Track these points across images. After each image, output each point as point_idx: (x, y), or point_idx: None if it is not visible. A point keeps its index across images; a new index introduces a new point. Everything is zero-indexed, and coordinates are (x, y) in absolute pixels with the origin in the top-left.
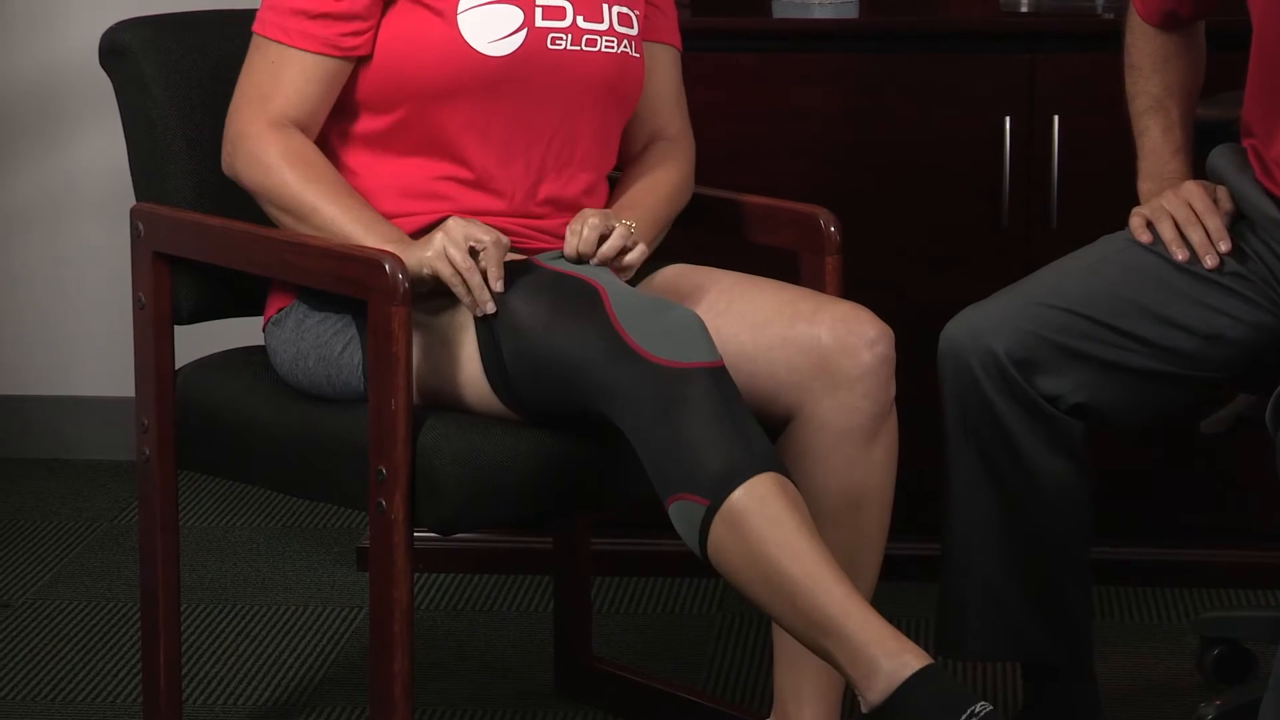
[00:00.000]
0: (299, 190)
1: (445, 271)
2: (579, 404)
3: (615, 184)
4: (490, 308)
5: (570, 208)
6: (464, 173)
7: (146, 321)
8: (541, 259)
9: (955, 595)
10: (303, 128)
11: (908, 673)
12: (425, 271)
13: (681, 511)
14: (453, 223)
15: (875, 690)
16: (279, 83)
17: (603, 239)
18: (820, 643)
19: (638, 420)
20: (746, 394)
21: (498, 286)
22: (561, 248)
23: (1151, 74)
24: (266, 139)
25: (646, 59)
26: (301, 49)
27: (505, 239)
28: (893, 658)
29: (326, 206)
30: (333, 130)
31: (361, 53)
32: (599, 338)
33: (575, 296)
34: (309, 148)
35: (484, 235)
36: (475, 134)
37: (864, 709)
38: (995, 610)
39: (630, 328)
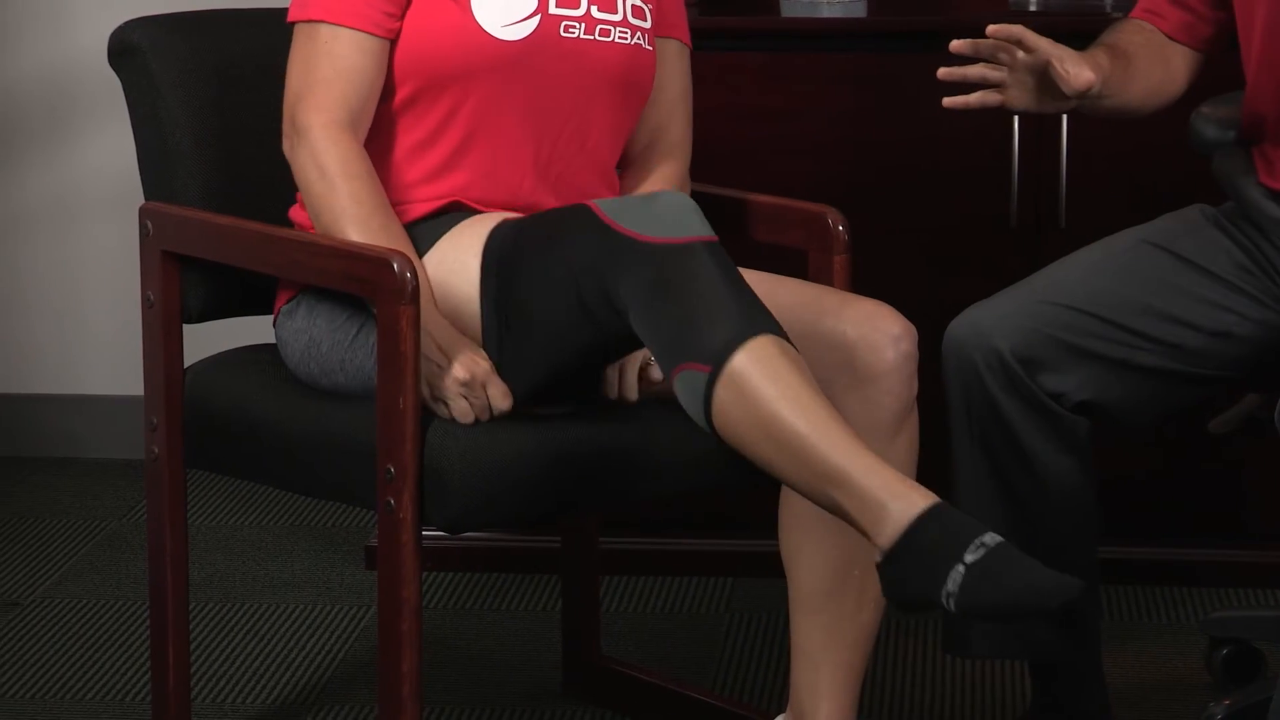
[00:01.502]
0: (340, 214)
1: (459, 411)
2: (576, 320)
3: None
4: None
5: (579, 198)
6: (472, 157)
7: (155, 320)
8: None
9: None
10: (362, 116)
11: (915, 512)
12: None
13: (685, 381)
14: (483, 369)
15: (885, 535)
16: (336, 66)
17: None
18: (828, 494)
19: (639, 302)
20: None
21: (485, 417)
22: None
23: (1110, 32)
24: (329, 142)
25: (662, 50)
26: (352, 27)
27: (506, 407)
28: (900, 499)
29: (355, 230)
30: None
31: (394, 37)
32: (592, 233)
33: (567, 216)
34: (364, 162)
35: (500, 402)
36: (485, 119)
37: (877, 558)
38: None
39: (621, 218)
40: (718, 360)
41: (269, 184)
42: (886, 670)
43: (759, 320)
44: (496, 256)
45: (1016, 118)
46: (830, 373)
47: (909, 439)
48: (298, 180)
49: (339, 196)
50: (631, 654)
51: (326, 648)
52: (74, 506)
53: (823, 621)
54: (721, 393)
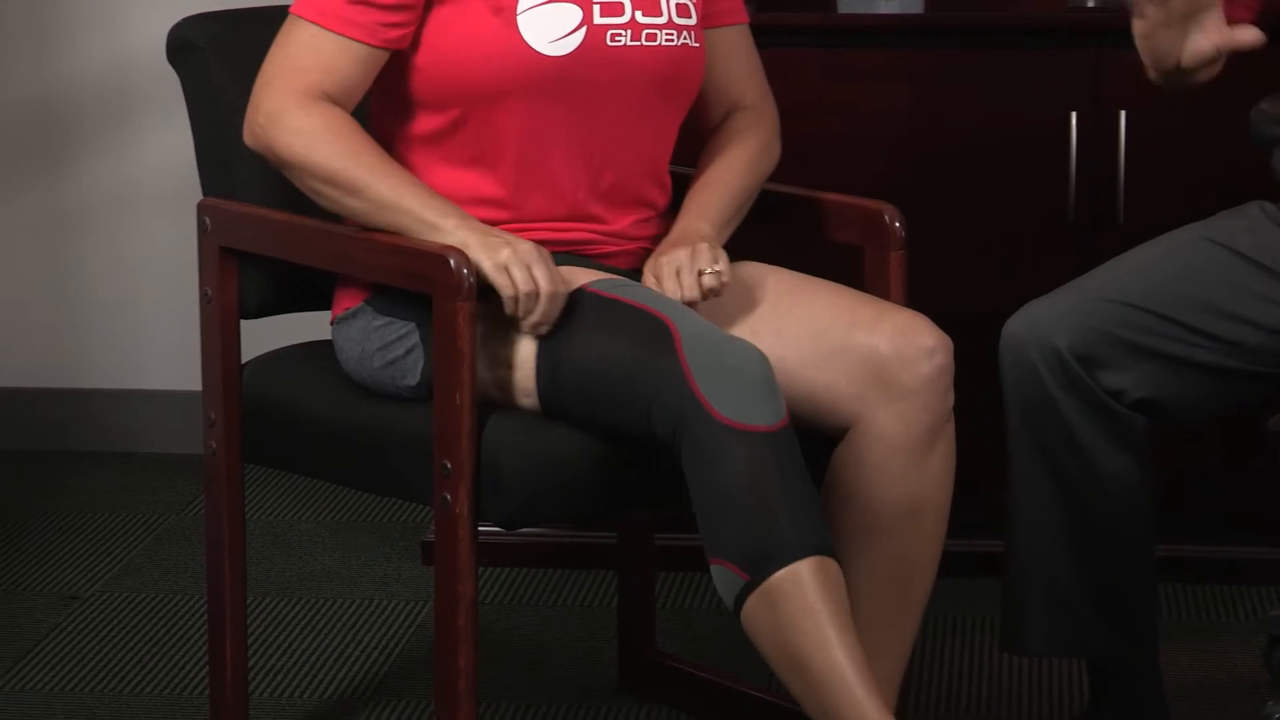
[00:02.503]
0: (348, 163)
1: (502, 283)
2: (632, 434)
3: (697, 159)
4: (543, 330)
5: (633, 205)
6: (524, 174)
7: (213, 316)
8: (607, 287)
9: (1018, 591)
10: (340, 106)
11: None
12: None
13: (722, 576)
14: (527, 247)
15: None
16: (318, 59)
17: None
18: None
19: (693, 470)
20: (806, 402)
21: (541, 332)
22: (622, 249)
23: None
24: (308, 110)
25: (714, 41)
26: (339, 33)
27: (563, 293)
28: None
29: (380, 180)
30: (392, 131)
31: (400, 45)
32: (668, 383)
33: (646, 333)
34: (353, 122)
35: (545, 283)
36: (535, 134)
37: None
38: (1059, 607)
39: (700, 375)
40: (757, 573)
41: None
42: (942, 668)
43: (808, 536)
44: (552, 375)
45: (1074, 114)
46: (863, 388)
47: (944, 453)
48: (284, 159)
49: (339, 158)
50: (687, 650)
51: (383, 643)
52: (132, 501)
53: (866, 633)
54: (755, 605)
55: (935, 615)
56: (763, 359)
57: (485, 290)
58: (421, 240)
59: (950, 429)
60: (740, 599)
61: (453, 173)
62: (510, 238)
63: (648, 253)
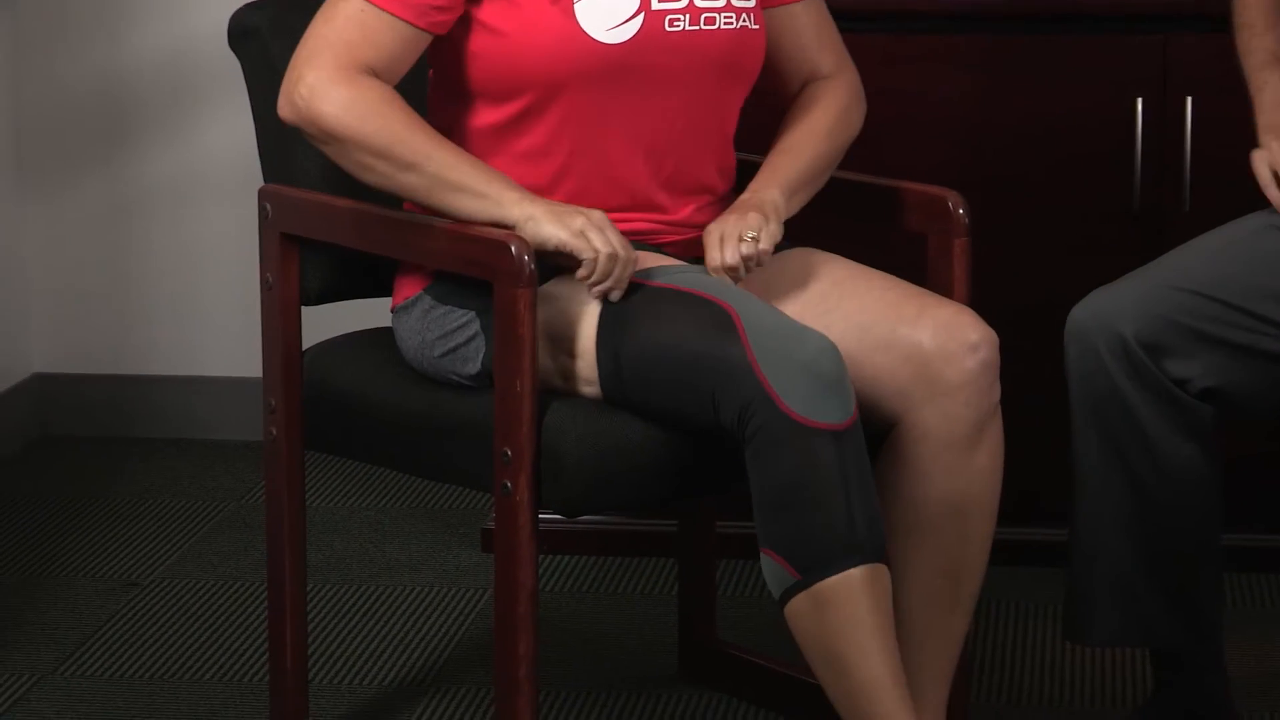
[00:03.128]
0: (404, 136)
1: (581, 246)
2: (694, 422)
3: (777, 128)
4: (615, 295)
5: (694, 192)
6: (583, 164)
7: (274, 302)
8: (665, 277)
9: (1083, 581)
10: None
11: None
12: (553, 245)
13: (772, 568)
14: (599, 214)
15: None
16: (366, 34)
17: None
18: None
19: (757, 462)
20: None
21: (615, 297)
22: (684, 238)
23: (1265, 30)
24: (357, 83)
25: (781, 20)
26: (389, 11)
27: (635, 258)
28: None
29: (437, 154)
30: (450, 122)
31: (441, 31)
32: (734, 373)
33: (708, 320)
34: (401, 98)
35: (621, 247)
36: (594, 123)
37: None
38: (1123, 596)
39: (768, 366)
40: (809, 574)
41: None
42: (1004, 657)
43: (865, 543)
44: (614, 364)
45: (1140, 99)
46: (907, 384)
47: (990, 449)
48: (330, 132)
49: (395, 131)
50: (748, 639)
51: (443, 630)
52: (193, 487)
53: (915, 630)
54: (801, 603)
55: (996, 604)
56: (834, 352)
57: (545, 274)
58: (483, 228)
59: (997, 424)
60: (786, 597)
61: (511, 163)
62: (577, 206)
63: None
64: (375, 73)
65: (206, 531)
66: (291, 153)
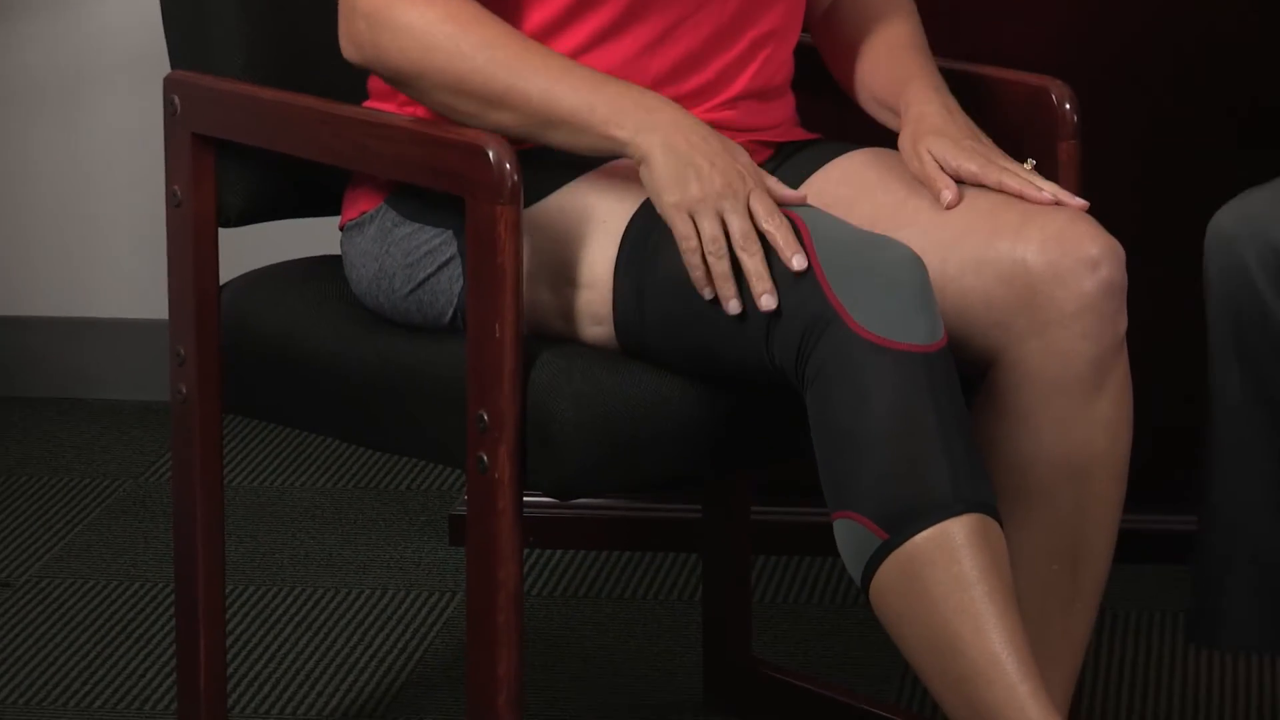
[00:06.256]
0: (480, 60)
1: (678, 228)
2: (733, 368)
3: (835, 46)
4: (735, 306)
5: (766, 98)
6: (645, 60)
7: (184, 223)
8: None
9: (1215, 568)
10: None
11: None
12: (661, 213)
13: (849, 534)
14: (734, 176)
15: None
16: None
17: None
18: None
19: (822, 397)
20: None
21: (732, 309)
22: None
23: None
24: (420, 2)
25: None
26: None
27: (786, 227)
28: None
29: (528, 79)
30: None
31: None
32: (795, 289)
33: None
34: (478, 6)
35: (738, 233)
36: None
37: None
38: (1266, 586)
39: (836, 278)
40: (897, 530)
41: (335, 55)
42: (1117, 661)
43: (966, 488)
44: (635, 290)
45: None
46: (1006, 313)
47: (1116, 395)
48: (397, 70)
49: (468, 58)
50: (791, 657)
51: (400, 646)
52: (78, 461)
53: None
54: (890, 573)
55: (1106, 609)
56: (916, 261)
57: (548, 182)
58: (456, 130)
59: (1123, 363)
60: (872, 565)
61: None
62: (715, 151)
63: (759, 147)
64: None
65: (97, 517)
66: (208, 31)
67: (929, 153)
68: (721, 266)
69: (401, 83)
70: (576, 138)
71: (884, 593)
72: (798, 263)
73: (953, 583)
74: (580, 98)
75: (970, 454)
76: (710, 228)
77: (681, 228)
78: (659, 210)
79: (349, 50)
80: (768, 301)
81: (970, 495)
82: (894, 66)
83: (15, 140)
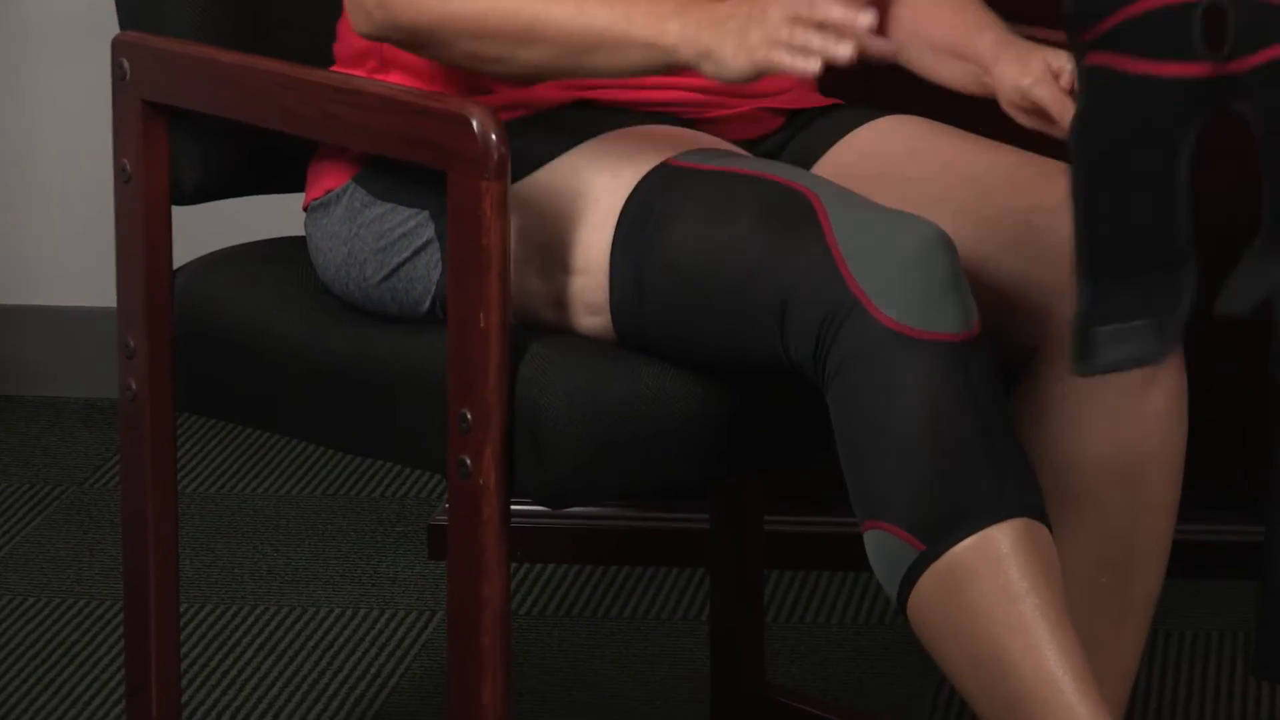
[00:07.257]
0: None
1: (788, 65)
2: (744, 361)
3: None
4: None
5: None
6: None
7: (134, 200)
8: (723, 161)
9: None
10: None
11: None
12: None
13: (882, 546)
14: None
15: None
16: None
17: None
18: None
19: (846, 397)
20: None
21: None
22: (730, 114)
23: None
24: None
25: None
26: None
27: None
28: None
29: (552, 7)
30: None
31: None
32: (810, 274)
33: (778, 210)
34: None
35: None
36: None
37: None
38: None
39: (856, 264)
40: (934, 539)
41: (300, 14)
42: (1170, 686)
43: (1011, 491)
44: (634, 274)
45: None
46: (1051, 298)
47: (1169, 386)
48: (414, 26)
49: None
50: (809, 682)
51: (374, 670)
52: (15, 465)
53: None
54: (929, 586)
55: (1159, 629)
56: (945, 241)
57: (537, 155)
58: (437, 96)
59: (1178, 353)
60: (909, 580)
61: None
62: (750, 3)
63: (768, 115)
64: None
65: (37, 526)
66: None
67: (1049, 64)
68: (813, 39)
69: (420, 41)
70: (619, 56)
71: (923, 609)
72: (843, 51)
73: (999, 595)
74: (614, 11)
75: (1013, 453)
76: (789, 35)
77: (779, 60)
78: (745, 79)
79: (359, 22)
80: (845, 49)
81: (1015, 498)
82: (957, 13)
83: None
